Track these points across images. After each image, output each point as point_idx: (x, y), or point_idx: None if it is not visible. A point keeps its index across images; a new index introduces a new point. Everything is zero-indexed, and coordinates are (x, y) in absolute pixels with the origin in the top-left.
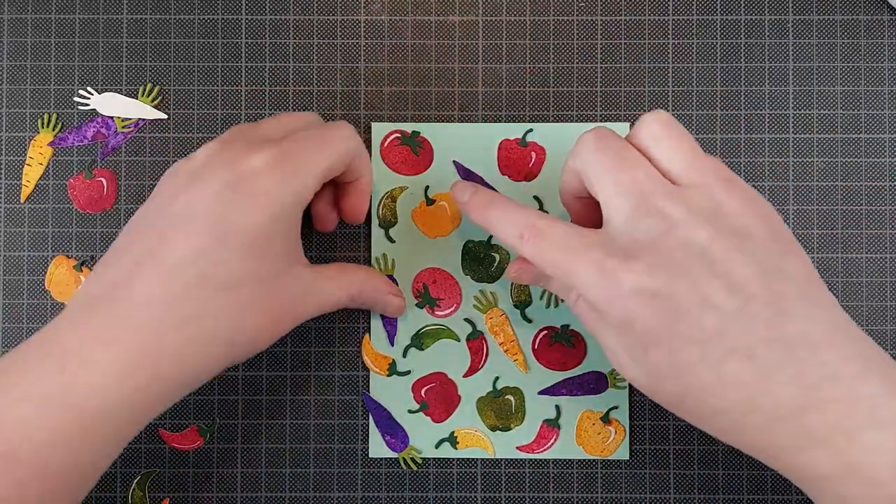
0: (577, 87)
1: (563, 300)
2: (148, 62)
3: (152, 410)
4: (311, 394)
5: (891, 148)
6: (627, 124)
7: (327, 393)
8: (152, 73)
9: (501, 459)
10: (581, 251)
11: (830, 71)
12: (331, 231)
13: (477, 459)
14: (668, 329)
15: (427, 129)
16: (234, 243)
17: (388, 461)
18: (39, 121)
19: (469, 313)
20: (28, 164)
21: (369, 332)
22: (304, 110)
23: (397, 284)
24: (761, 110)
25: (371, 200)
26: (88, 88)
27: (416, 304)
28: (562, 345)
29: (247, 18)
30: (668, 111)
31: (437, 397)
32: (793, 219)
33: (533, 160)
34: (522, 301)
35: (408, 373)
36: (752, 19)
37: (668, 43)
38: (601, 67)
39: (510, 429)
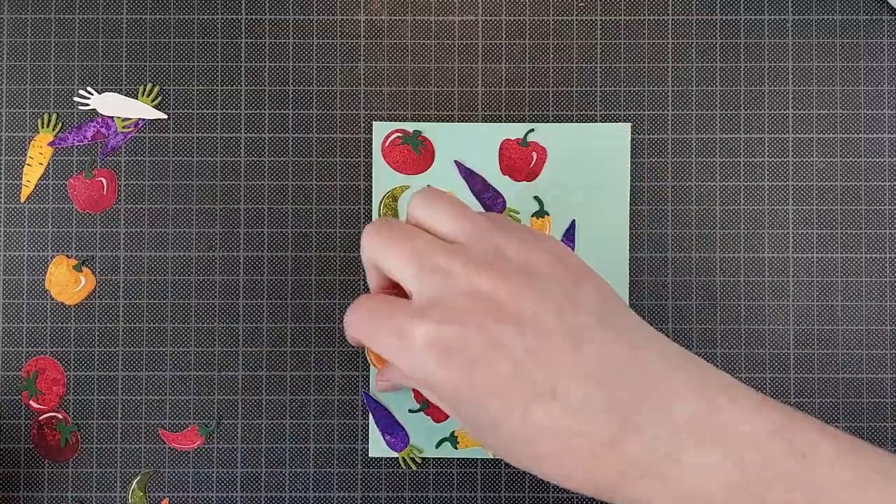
0: (576, 87)
1: None
2: (147, 62)
3: None
4: (311, 394)
5: (890, 148)
6: (629, 125)
7: (327, 393)
8: (152, 73)
9: (502, 459)
10: (385, 317)
11: (830, 71)
12: None
13: (477, 459)
14: (467, 383)
15: (428, 129)
16: None
17: (388, 461)
18: (39, 121)
19: None
20: (28, 164)
21: None
22: (303, 110)
23: None
24: (761, 110)
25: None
26: (88, 88)
27: None
28: None
29: (246, 18)
30: (668, 111)
31: None
32: (793, 219)
33: (534, 160)
34: None
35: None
36: (751, 19)
37: (668, 43)
38: (601, 67)
39: None
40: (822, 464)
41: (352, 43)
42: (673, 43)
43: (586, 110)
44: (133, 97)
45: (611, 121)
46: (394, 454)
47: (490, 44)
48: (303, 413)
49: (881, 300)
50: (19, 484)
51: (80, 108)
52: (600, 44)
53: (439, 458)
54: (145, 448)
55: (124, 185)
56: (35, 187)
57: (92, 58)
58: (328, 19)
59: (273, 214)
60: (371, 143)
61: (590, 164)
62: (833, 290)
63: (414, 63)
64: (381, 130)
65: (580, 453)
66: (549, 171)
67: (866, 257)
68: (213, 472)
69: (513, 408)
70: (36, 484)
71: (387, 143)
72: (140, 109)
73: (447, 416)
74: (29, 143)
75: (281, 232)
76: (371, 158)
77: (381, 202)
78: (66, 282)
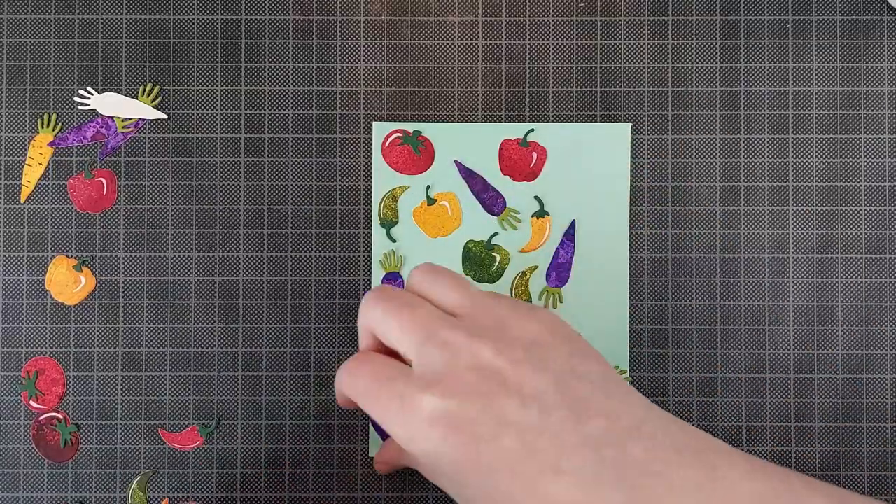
0: (576, 87)
1: None
2: (147, 62)
3: None
4: (311, 394)
5: (890, 148)
6: (629, 125)
7: (327, 392)
8: (152, 73)
9: None
10: (386, 382)
11: (830, 71)
12: None
13: None
14: (475, 460)
15: (428, 129)
16: None
17: None
18: (39, 121)
19: None
20: (28, 164)
21: None
22: (303, 111)
23: (403, 282)
24: (761, 110)
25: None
26: (88, 88)
27: None
28: None
29: (246, 18)
30: (668, 111)
31: None
32: (792, 219)
33: (534, 160)
34: None
35: None
36: (751, 19)
37: (668, 43)
38: (601, 67)
39: None
40: None
41: (352, 43)
42: (673, 43)
43: (586, 111)
44: (133, 97)
45: (611, 121)
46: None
47: (490, 44)
48: (303, 413)
49: (881, 300)
50: (19, 484)
51: (80, 108)
52: (600, 44)
53: None
54: (145, 448)
55: (124, 186)
56: (35, 187)
57: (92, 58)
58: (328, 19)
59: (273, 215)
60: (371, 144)
61: (590, 164)
62: (833, 290)
63: (414, 63)
64: (381, 130)
65: None
66: (549, 171)
67: (866, 257)
68: (213, 472)
69: (523, 483)
70: (36, 484)
71: (387, 144)
72: (140, 109)
73: None
74: (29, 143)
75: (281, 232)
76: (371, 159)
77: (380, 202)
78: (66, 282)
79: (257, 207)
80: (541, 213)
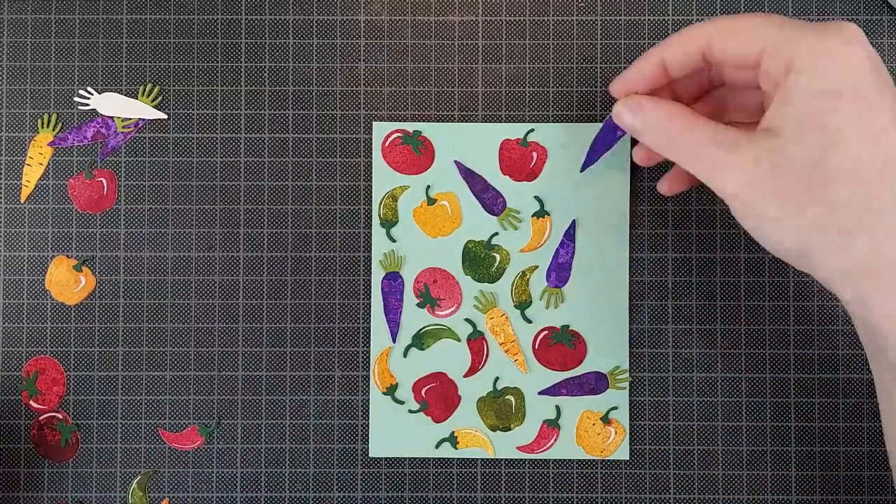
0: (576, 87)
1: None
2: (148, 62)
3: None
4: (311, 394)
5: None
6: None
7: (327, 393)
8: (152, 73)
9: (501, 459)
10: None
11: None
12: None
13: (477, 459)
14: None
15: (428, 129)
16: None
17: (388, 461)
18: (39, 121)
19: (469, 313)
20: (28, 164)
21: (370, 331)
22: (303, 111)
23: (403, 281)
24: None
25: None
26: (88, 88)
27: (417, 304)
28: (562, 345)
29: (246, 18)
30: None
31: (438, 397)
32: None
33: (534, 160)
34: (523, 301)
35: (402, 403)
36: None
37: None
38: (601, 67)
39: (510, 429)
40: None
41: (352, 43)
42: None
43: (586, 111)
44: (133, 97)
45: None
46: (393, 455)
47: (490, 44)
48: (303, 413)
49: None
50: (19, 484)
51: (80, 108)
52: (600, 44)
53: (439, 458)
54: (145, 448)
55: (124, 186)
56: (35, 187)
57: (92, 58)
58: (328, 19)
59: (273, 214)
60: (371, 144)
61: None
62: None
63: (414, 63)
64: (381, 130)
65: None
66: (550, 171)
67: None
68: (213, 472)
69: None
70: (36, 484)
71: (387, 144)
72: (140, 109)
73: (447, 416)
74: (29, 143)
75: (281, 232)
76: (371, 158)
77: (380, 202)
78: (66, 282)
79: (257, 207)
80: (541, 213)
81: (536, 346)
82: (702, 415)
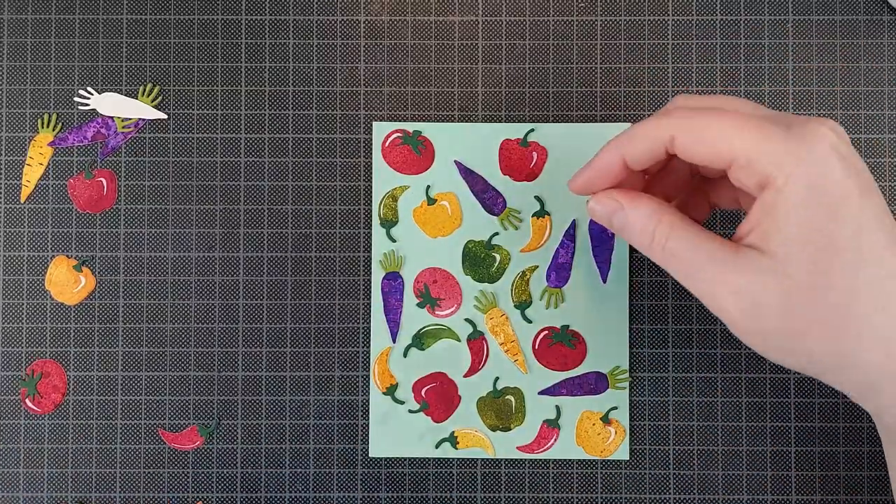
0: (576, 87)
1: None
2: (148, 62)
3: None
4: (311, 394)
5: (890, 148)
6: (628, 125)
7: (327, 393)
8: (152, 73)
9: (501, 459)
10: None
11: (830, 71)
12: None
13: (477, 459)
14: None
15: (428, 129)
16: None
17: (388, 461)
18: (39, 121)
19: (469, 313)
20: (28, 164)
21: (370, 331)
22: (303, 111)
23: (403, 281)
24: None
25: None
26: (88, 88)
27: (417, 304)
28: (562, 345)
29: (247, 18)
30: None
31: (438, 397)
32: None
33: (534, 160)
34: (523, 301)
35: (402, 403)
36: (751, 19)
37: (668, 43)
38: (601, 68)
39: (510, 429)
40: None
41: (352, 43)
42: (673, 43)
43: (586, 111)
44: (133, 97)
45: (611, 121)
46: (393, 455)
47: (490, 44)
48: (303, 413)
49: None
50: (19, 484)
51: (81, 108)
52: (600, 44)
53: (439, 458)
54: (145, 448)
55: (124, 186)
56: (35, 187)
57: (92, 58)
58: (328, 20)
59: (273, 215)
60: (371, 144)
61: None
62: None
63: (414, 64)
64: (381, 131)
65: None
66: (550, 171)
67: None
68: (213, 472)
69: None
70: (36, 484)
71: (387, 144)
72: (140, 109)
73: (447, 416)
74: (29, 143)
75: (281, 232)
76: (371, 159)
77: (380, 202)
78: (66, 282)
79: (257, 207)
80: (541, 213)
81: (536, 346)
82: (702, 415)
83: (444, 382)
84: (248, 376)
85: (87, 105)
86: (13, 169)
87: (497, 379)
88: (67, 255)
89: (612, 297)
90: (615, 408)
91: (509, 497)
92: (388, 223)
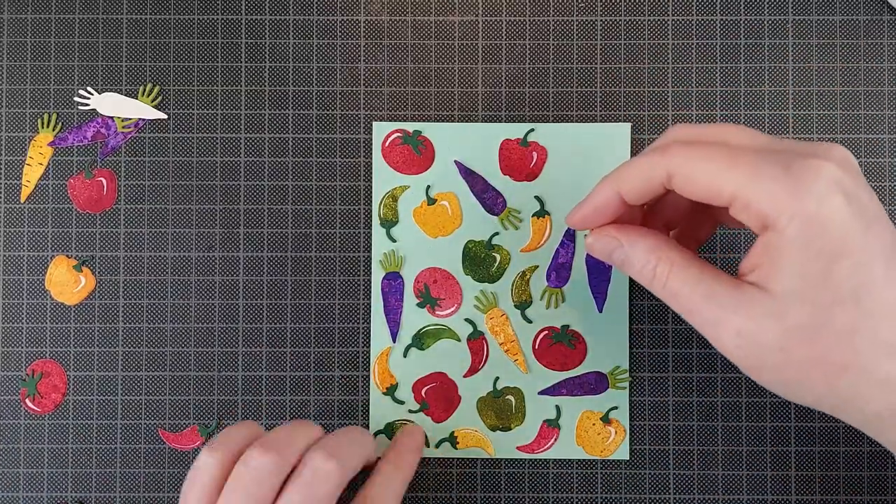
0: (576, 87)
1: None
2: (148, 62)
3: None
4: (311, 394)
5: (890, 148)
6: (629, 125)
7: (327, 393)
8: (152, 73)
9: (501, 459)
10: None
11: (830, 71)
12: None
13: (477, 459)
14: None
15: (428, 129)
16: None
17: None
18: (39, 121)
19: (470, 313)
20: (28, 164)
21: (370, 331)
22: (303, 111)
23: (403, 281)
24: (761, 111)
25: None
26: (88, 88)
27: (417, 304)
28: (562, 345)
29: (247, 18)
30: (669, 112)
31: (438, 397)
32: None
33: (534, 160)
34: (523, 301)
35: (402, 403)
36: (751, 20)
37: (668, 43)
38: (601, 68)
39: (511, 429)
40: None
41: (352, 43)
42: (673, 43)
43: (586, 111)
44: (133, 97)
45: (611, 121)
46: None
47: (490, 44)
48: (303, 413)
49: None
50: (19, 484)
51: (81, 108)
52: (600, 44)
53: (439, 458)
54: (145, 448)
55: (124, 186)
56: (35, 187)
57: (92, 58)
58: (328, 19)
59: (273, 214)
60: (371, 144)
61: (590, 163)
62: None
63: (414, 63)
64: (381, 130)
65: None
66: (550, 171)
67: None
68: None
69: None
70: (36, 484)
71: (387, 144)
72: (140, 109)
73: (447, 416)
74: (29, 143)
75: (281, 232)
76: (371, 159)
77: (380, 202)
78: (66, 282)
79: (257, 207)
80: (541, 213)
81: (536, 346)
82: (702, 415)
83: (444, 382)
84: (248, 376)
85: (87, 105)
86: (13, 169)
87: (497, 379)
88: (67, 255)
89: (613, 296)
90: (615, 407)
91: (509, 497)
92: (389, 223)
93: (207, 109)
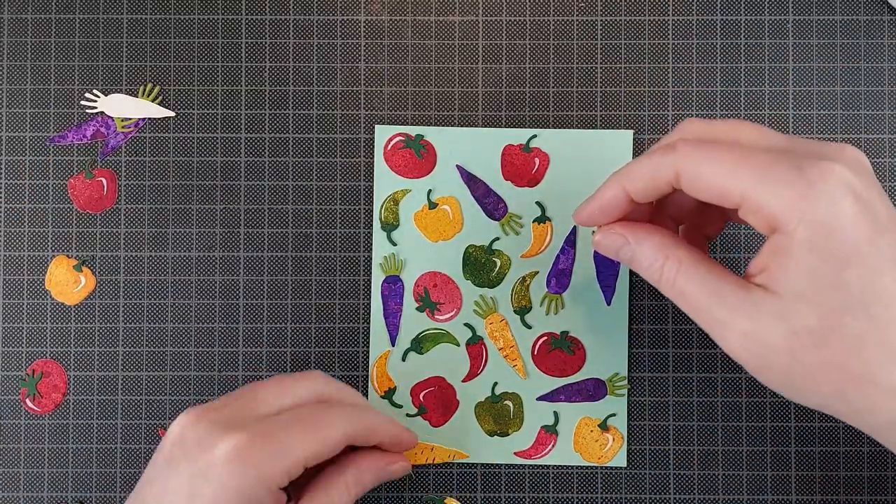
0: (576, 87)
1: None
2: (148, 62)
3: None
4: None
5: (890, 148)
6: (631, 132)
7: None
8: (152, 73)
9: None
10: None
11: (830, 71)
12: None
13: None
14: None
15: (430, 133)
16: None
17: None
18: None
19: (469, 318)
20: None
21: (369, 332)
22: (304, 110)
23: (403, 285)
24: (761, 111)
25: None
26: (95, 91)
27: (417, 308)
28: (561, 351)
29: (247, 18)
30: (669, 111)
31: (436, 401)
32: None
33: (536, 166)
34: (522, 307)
35: (400, 406)
36: (752, 19)
37: (668, 43)
38: (601, 67)
39: (508, 434)
40: None
41: (352, 43)
42: (673, 43)
43: (587, 111)
44: (133, 97)
45: (612, 121)
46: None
47: (490, 44)
48: None
49: None
50: (19, 484)
51: (88, 111)
52: (601, 44)
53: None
54: (145, 448)
55: (124, 185)
56: (35, 187)
57: (92, 58)
58: (328, 19)
59: (273, 214)
60: (372, 144)
61: (592, 170)
62: None
63: (414, 63)
64: (384, 134)
65: None
66: (552, 177)
67: None
68: None
69: None
70: (36, 484)
71: (389, 147)
72: (147, 109)
73: (445, 421)
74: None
75: (281, 232)
76: (372, 159)
77: (382, 205)
78: (66, 282)
79: (258, 207)
80: (542, 219)
81: (535, 352)
82: (702, 415)
83: (443, 387)
84: (249, 376)
85: (94, 108)
86: (13, 169)
87: (496, 384)
88: (67, 255)
89: (612, 304)
90: (613, 414)
91: (509, 497)
92: (390, 226)
93: (208, 109)
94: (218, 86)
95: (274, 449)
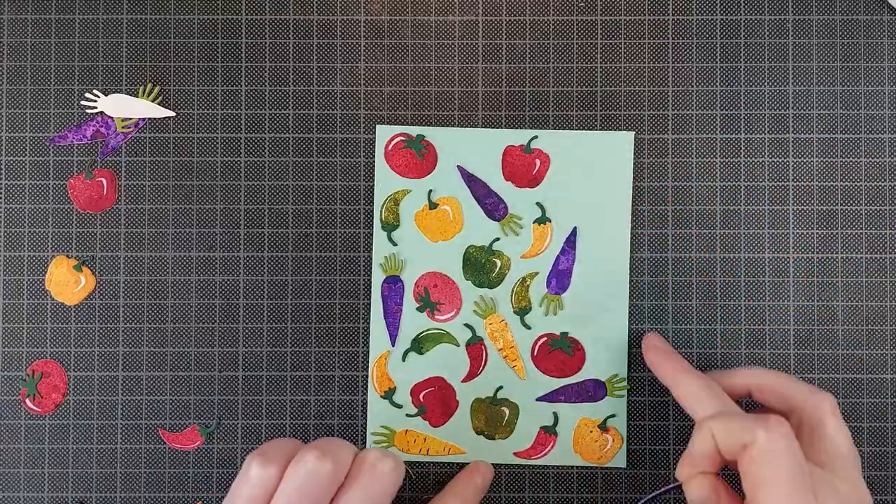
0: (576, 87)
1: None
2: (148, 62)
3: None
4: (311, 394)
5: (890, 148)
6: (632, 133)
7: (327, 393)
8: (152, 73)
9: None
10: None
11: (830, 71)
12: None
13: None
14: None
15: (431, 133)
16: None
17: None
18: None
19: (469, 318)
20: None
21: (369, 332)
22: (304, 110)
23: (403, 285)
24: (761, 110)
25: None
26: (95, 91)
27: (417, 308)
28: (561, 352)
29: (247, 18)
30: (669, 111)
31: (436, 401)
32: (793, 219)
33: (537, 167)
34: (522, 307)
35: (399, 407)
36: (751, 19)
37: (668, 43)
38: (601, 67)
39: (494, 438)
40: None
41: (352, 43)
42: (673, 43)
43: (587, 110)
44: (133, 97)
45: (611, 121)
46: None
47: (490, 44)
48: (303, 413)
49: (881, 300)
50: (19, 484)
51: (88, 111)
52: (601, 44)
53: (439, 460)
54: (145, 448)
55: (124, 186)
56: (35, 188)
57: (92, 58)
58: (328, 19)
59: (273, 214)
60: (372, 144)
61: (592, 172)
62: (833, 290)
63: (414, 63)
64: (384, 134)
65: None
66: (552, 178)
67: (866, 257)
68: (213, 472)
69: None
70: (36, 484)
71: (389, 147)
72: (148, 109)
73: (444, 421)
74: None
75: (281, 232)
76: (372, 159)
77: (382, 205)
78: (66, 282)
79: (258, 207)
80: (542, 220)
81: (535, 353)
82: None
83: (443, 387)
84: (249, 376)
85: (94, 108)
86: (13, 169)
87: (499, 388)
88: (67, 255)
89: (613, 304)
90: (613, 415)
91: (509, 497)
92: (390, 226)
93: (208, 109)
94: (218, 86)
95: None
